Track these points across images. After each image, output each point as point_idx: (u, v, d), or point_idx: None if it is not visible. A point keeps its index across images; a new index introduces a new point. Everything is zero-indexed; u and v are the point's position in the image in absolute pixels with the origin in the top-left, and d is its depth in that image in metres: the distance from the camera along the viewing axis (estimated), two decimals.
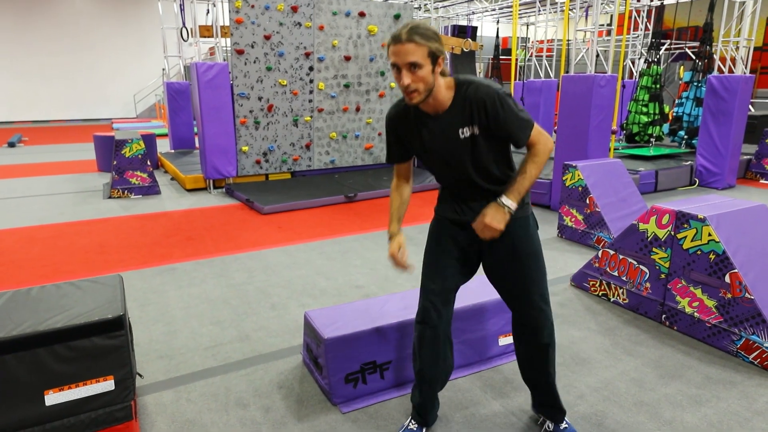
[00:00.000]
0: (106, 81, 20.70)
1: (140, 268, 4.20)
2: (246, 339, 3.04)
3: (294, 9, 6.96)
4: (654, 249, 3.13)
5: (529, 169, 1.84)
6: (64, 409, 1.85)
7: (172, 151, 9.69)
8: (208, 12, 8.83)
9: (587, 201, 4.57)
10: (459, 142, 1.85)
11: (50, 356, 1.82)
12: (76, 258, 4.45)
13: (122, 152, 6.72)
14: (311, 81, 7.39)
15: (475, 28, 16.07)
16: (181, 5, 7.36)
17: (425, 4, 8.63)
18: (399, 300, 2.75)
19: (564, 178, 4.78)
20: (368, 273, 4.08)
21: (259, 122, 7.19)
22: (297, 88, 7.31)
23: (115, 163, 6.70)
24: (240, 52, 6.79)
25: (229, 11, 6.63)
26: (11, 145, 12.40)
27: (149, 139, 8.58)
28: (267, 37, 6.90)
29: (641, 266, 3.23)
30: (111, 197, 6.71)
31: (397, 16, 7.70)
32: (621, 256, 3.34)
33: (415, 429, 2.20)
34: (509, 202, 1.82)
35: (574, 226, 4.74)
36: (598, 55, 5.86)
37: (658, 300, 3.14)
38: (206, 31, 8.98)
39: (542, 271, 2.01)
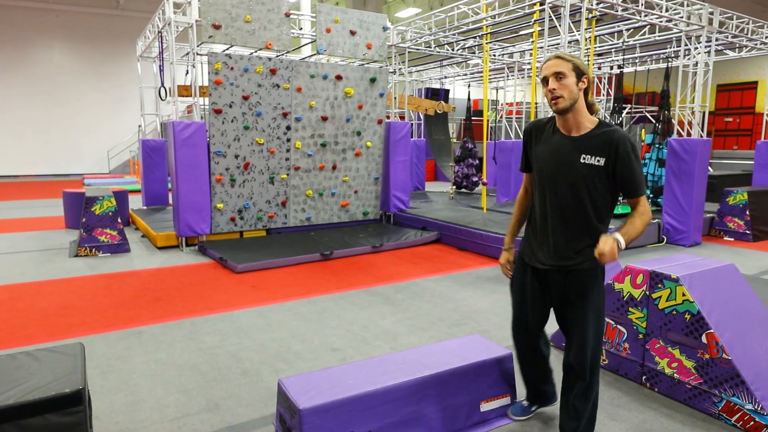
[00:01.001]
0: (80, 137, 20.58)
1: (104, 332, 4.00)
2: (215, 409, 2.86)
3: (272, 71, 7.14)
4: (630, 309, 3.15)
5: (637, 221, 2.04)
6: None
7: (145, 207, 9.53)
8: (187, 72, 8.99)
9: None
10: (577, 164, 2.07)
11: None
12: (35, 321, 4.21)
13: (92, 209, 6.57)
14: (288, 140, 7.48)
15: (447, 91, 16.78)
16: (160, 66, 7.48)
17: (399, 69, 8.98)
18: (377, 365, 2.66)
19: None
20: (344, 335, 3.97)
21: (234, 180, 7.18)
22: (274, 146, 7.38)
23: (84, 220, 6.52)
24: (218, 112, 6.87)
25: (209, 72, 6.75)
26: None
27: (121, 196, 8.45)
28: (245, 98, 7.02)
29: (619, 326, 3.23)
30: (78, 255, 6.48)
31: (372, 80, 7.97)
32: None
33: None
34: (621, 238, 1.98)
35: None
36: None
37: (638, 361, 3.12)
38: (185, 91, 9.11)
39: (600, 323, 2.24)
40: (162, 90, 7.47)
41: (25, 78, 19.52)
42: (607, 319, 3.29)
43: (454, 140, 19.26)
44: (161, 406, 2.89)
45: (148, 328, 4.08)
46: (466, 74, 12.50)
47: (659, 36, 8.88)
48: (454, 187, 11.77)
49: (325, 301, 4.79)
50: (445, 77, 12.77)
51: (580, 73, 2.03)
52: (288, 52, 7.64)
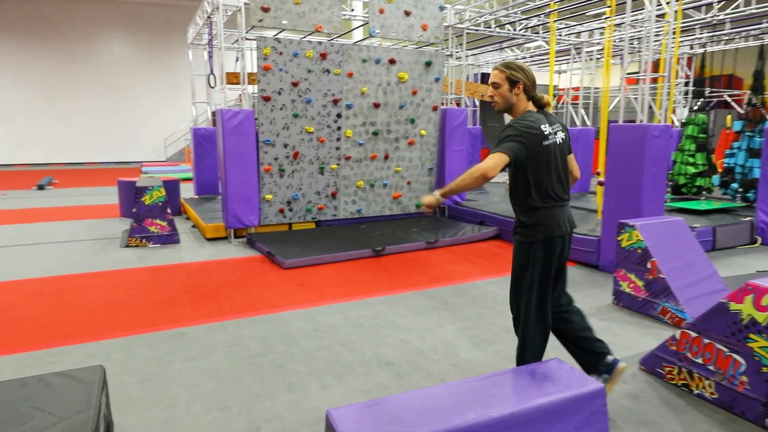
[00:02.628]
0: (138, 125, 21.19)
1: (147, 332, 3.79)
2: None
3: (323, 56, 6.79)
4: (752, 336, 2.57)
5: (460, 177, 2.41)
6: None
7: (196, 196, 9.50)
8: (237, 59, 8.80)
9: (648, 265, 4.02)
10: None
11: None
12: (80, 318, 4.07)
13: (142, 200, 6.49)
14: (339, 128, 7.13)
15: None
16: (209, 53, 7.28)
17: (456, 52, 8.41)
18: (441, 396, 2.25)
19: (619, 239, 4.26)
20: (399, 345, 3.58)
21: (284, 170, 6.91)
22: (324, 135, 7.05)
23: (134, 210, 6.45)
24: (267, 99, 6.60)
25: (257, 58, 6.48)
26: (40, 187, 12.48)
27: (172, 185, 8.41)
28: (295, 84, 6.71)
29: (734, 355, 2.66)
30: (128, 246, 6.43)
31: (428, 63, 7.47)
32: (706, 341, 2.78)
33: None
34: (436, 193, 2.51)
35: (633, 293, 4.18)
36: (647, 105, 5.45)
37: (760, 399, 2.56)
38: (234, 78, 8.93)
39: (519, 288, 2.62)
40: (211, 77, 7.29)
41: (88, 68, 20.23)
42: (718, 346, 2.73)
43: None
44: (198, 427, 2.60)
45: (191, 330, 3.85)
46: (525, 57, 11.71)
47: (756, 8, 7.83)
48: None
49: (378, 304, 4.42)
50: (504, 61, 12.04)
51: (513, 82, 2.48)
52: (339, 35, 7.27)
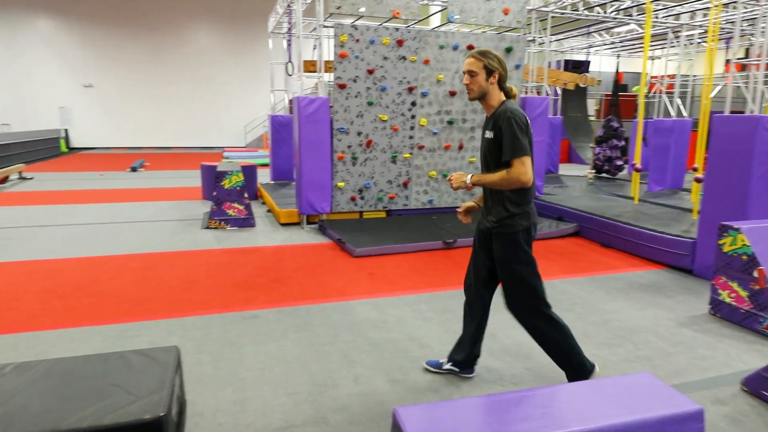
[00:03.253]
0: (221, 112, 22.20)
1: (222, 312, 3.92)
2: (322, 423, 2.53)
3: (399, 43, 6.67)
4: None
5: (496, 176, 2.51)
6: None
7: (272, 182, 9.78)
8: (315, 47, 8.89)
9: (755, 274, 3.59)
10: (484, 141, 2.67)
11: None
12: (162, 294, 4.28)
13: (222, 183, 6.74)
14: (413, 117, 7.01)
15: (588, 63, 15.06)
16: (288, 41, 7.39)
17: (539, 38, 7.98)
18: (514, 403, 2.10)
19: (720, 242, 3.84)
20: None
21: (356, 158, 6.91)
22: (398, 123, 6.96)
23: (215, 193, 6.72)
24: (342, 87, 6.60)
25: (334, 45, 6.48)
26: (133, 169, 13.41)
27: (250, 171, 8.69)
28: (370, 72, 6.65)
29: None
30: (208, 227, 6.72)
31: (508, 50, 7.14)
32: None
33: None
34: (470, 177, 2.60)
35: (734, 303, 3.76)
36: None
37: None
38: (311, 66, 9.04)
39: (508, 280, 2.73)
40: (289, 65, 7.40)
41: (177, 58, 21.43)
42: None
43: (592, 118, 17.41)
44: (267, 410, 2.62)
45: (263, 313, 3.93)
46: (615, 42, 10.92)
47: None
48: (594, 171, 10.48)
49: (448, 299, 4.29)
50: (590, 46, 11.30)
51: (489, 71, 2.55)
52: (416, 21, 7.11)
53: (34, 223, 6.90)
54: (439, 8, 8.04)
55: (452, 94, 7.08)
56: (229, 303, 4.13)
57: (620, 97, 10.99)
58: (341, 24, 6.50)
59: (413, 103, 6.97)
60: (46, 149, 17.66)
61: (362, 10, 6.35)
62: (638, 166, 7.17)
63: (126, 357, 1.82)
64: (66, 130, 20.64)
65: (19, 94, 20.05)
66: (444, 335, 3.57)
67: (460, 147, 7.34)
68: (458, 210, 2.84)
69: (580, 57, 13.27)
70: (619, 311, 4.04)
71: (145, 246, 5.84)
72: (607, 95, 14.25)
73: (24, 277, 4.65)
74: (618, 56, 11.19)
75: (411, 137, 7.09)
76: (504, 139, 2.47)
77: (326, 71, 8.33)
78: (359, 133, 6.85)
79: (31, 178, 11.53)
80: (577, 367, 2.74)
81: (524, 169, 2.43)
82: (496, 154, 2.55)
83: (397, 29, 6.70)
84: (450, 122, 7.18)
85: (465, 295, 3.04)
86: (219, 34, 21.70)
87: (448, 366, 3.01)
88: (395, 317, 3.88)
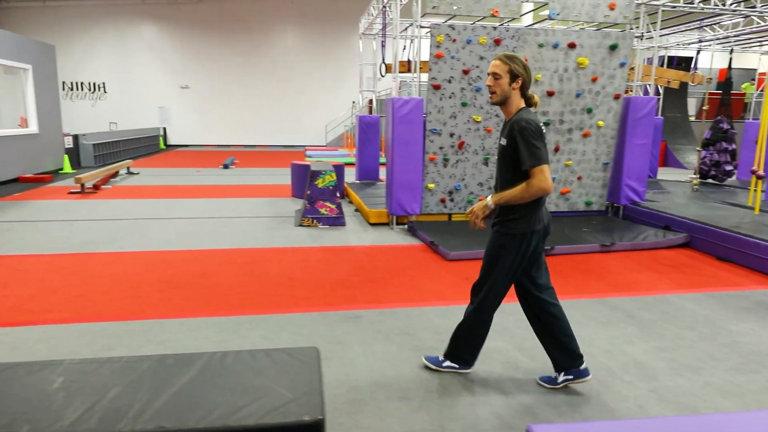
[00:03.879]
0: (304, 111, 22.91)
1: (325, 311, 4.00)
2: (441, 431, 2.49)
3: (497, 42, 6.51)
4: None
5: (515, 190, 2.52)
6: None
7: (358, 181, 9.93)
8: (404, 48, 8.90)
9: None
10: (499, 147, 2.69)
11: None
12: (267, 289, 4.45)
13: (316, 182, 6.92)
14: None
15: (690, 59, 13.98)
16: (382, 42, 7.45)
17: (648, 33, 7.48)
18: (658, 430, 1.94)
19: None
20: (585, 359, 3.26)
21: (448, 159, 6.84)
22: (491, 125, 6.80)
23: (308, 192, 6.92)
24: (436, 87, 6.55)
25: (430, 46, 6.44)
26: (225, 167, 14.16)
27: (338, 170, 8.85)
28: (465, 72, 6.55)
29: None
30: (301, 225, 6.92)
31: (613, 47, 6.75)
32: None
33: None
34: (490, 200, 2.61)
35: None
36: None
37: None
38: (402, 67, 9.06)
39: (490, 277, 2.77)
40: (382, 66, 7.45)
41: (265, 59, 22.36)
42: None
43: (692, 118, 16.15)
44: (383, 414, 2.63)
45: (365, 313, 3.96)
46: (729, 37, 9.99)
47: None
48: (698, 176, 9.70)
49: None
50: (700, 41, 10.44)
51: (514, 75, 2.54)
52: (512, 19, 6.90)
53: (145, 216, 7.44)
54: (536, 5, 7.75)
55: (550, 94, 6.81)
56: (331, 301, 4.20)
57: (731, 96, 10.08)
58: (438, 24, 6.45)
59: None
60: (148, 146, 19.10)
61: (455, 8, 6.25)
62: (760, 172, 6.52)
63: (272, 355, 1.87)
64: (164, 129, 22.19)
65: (125, 95, 21.82)
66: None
67: (556, 149, 7.05)
68: (471, 215, 2.69)
69: (686, 53, 12.29)
70: (750, 333, 3.67)
71: (245, 241, 6.11)
72: (711, 94, 13.13)
73: (141, 267, 5.01)
74: (731, 51, 10.26)
75: None
76: (520, 149, 2.49)
77: (422, 71, 8.32)
78: (452, 135, 6.77)
79: (137, 173, 12.49)
80: (456, 360, 3.00)
81: (544, 177, 2.46)
82: (509, 162, 2.59)
83: (495, 28, 6.54)
84: (546, 123, 6.91)
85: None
86: (305, 36, 22.38)
87: (562, 378, 2.88)
88: (499, 325, 3.77)
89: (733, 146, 9.93)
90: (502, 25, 7.19)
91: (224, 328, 3.63)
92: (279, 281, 4.68)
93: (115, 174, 11.50)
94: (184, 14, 21.60)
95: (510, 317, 3.88)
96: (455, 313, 3.99)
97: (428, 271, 5.09)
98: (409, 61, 7.69)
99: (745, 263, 5.24)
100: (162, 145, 21.39)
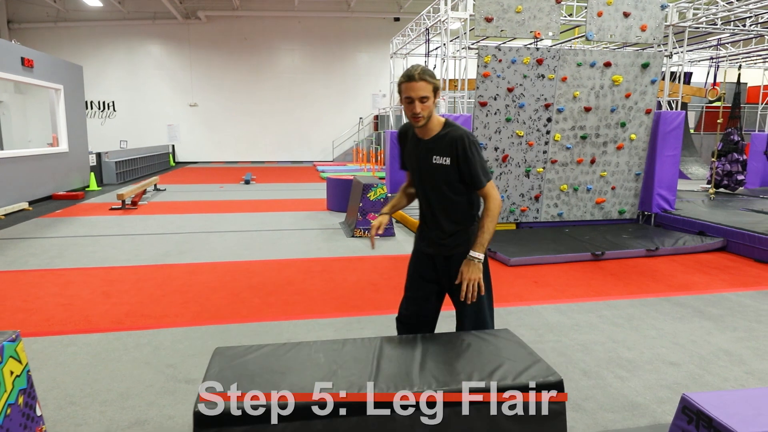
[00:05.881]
0: (310, 128, 23.29)
1: None
2: (578, 409, 2.82)
3: (539, 62, 6.96)
4: None
5: (487, 224, 2.31)
6: None
7: (390, 194, 10.27)
8: (434, 66, 9.33)
9: None
10: (433, 166, 2.36)
11: (504, 416, 1.79)
12: (357, 294, 4.75)
13: (368, 195, 7.26)
14: (548, 132, 7.25)
15: (690, 74, 14.68)
16: (425, 62, 7.86)
17: (678, 51, 8.01)
18: None
19: None
20: (674, 348, 3.62)
21: (492, 172, 7.23)
22: (533, 139, 7.23)
23: (361, 204, 7.25)
24: (483, 104, 6.97)
25: (477, 66, 6.87)
26: (246, 182, 14.43)
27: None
28: (510, 90, 6.98)
29: None
30: (354, 236, 7.24)
31: (645, 65, 7.24)
32: None
33: None
34: (477, 254, 2.30)
35: None
36: None
37: None
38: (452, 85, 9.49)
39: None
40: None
41: (273, 77, 22.77)
42: None
43: (692, 130, 16.83)
44: None
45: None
46: (740, 54, 10.64)
47: None
48: (712, 186, 10.22)
49: (627, 307, 4.48)
50: (712, 58, 11.07)
51: (436, 90, 2.25)
52: (555, 42, 7.37)
53: (199, 230, 7.70)
54: (570, 26, 8.25)
55: (587, 109, 7.27)
56: None
57: (739, 110, 10.68)
58: (486, 46, 6.89)
59: (548, 119, 7.21)
60: (160, 163, 19.30)
61: (503, 30, 6.71)
62: None
63: (473, 336, 2.20)
64: (173, 146, 22.40)
65: (134, 113, 22.03)
66: (644, 340, 3.76)
67: (592, 161, 7.48)
68: (470, 281, 2.31)
69: (698, 69, 12.92)
70: None
71: (309, 251, 6.41)
72: (708, 107, 13.78)
73: (226, 276, 5.28)
74: (740, 67, 10.90)
75: (545, 152, 7.32)
76: (471, 165, 2.27)
77: (452, 88, 8.75)
78: (496, 149, 7.17)
79: (164, 189, 12.72)
80: None
81: (496, 194, 2.34)
82: (451, 181, 2.33)
83: (537, 49, 7.00)
84: (583, 137, 7.36)
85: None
86: (311, 55, 22.86)
87: None
88: (585, 322, 4.12)
89: (744, 157, 10.49)
90: (546, 47, 7.66)
91: (338, 328, 3.93)
92: (363, 287, 4.98)
93: (145, 191, 11.72)
94: (193, 33, 21.98)
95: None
96: (541, 312, 4.34)
97: (497, 275, 5.37)
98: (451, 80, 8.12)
99: None
100: (171, 162, 21.59)
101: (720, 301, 4.64)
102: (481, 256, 2.29)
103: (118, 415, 2.73)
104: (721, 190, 10.73)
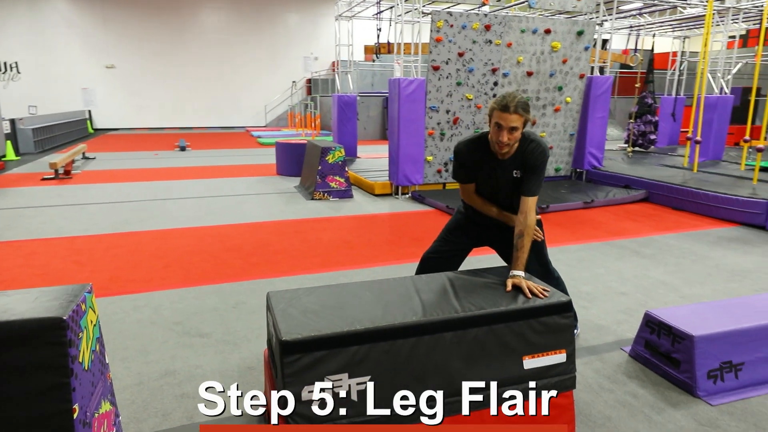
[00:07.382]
0: (241, 92, 22.49)
1: (405, 262, 4.62)
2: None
3: (487, 27, 7.33)
4: None
5: (526, 243, 2.46)
6: (534, 373, 2.19)
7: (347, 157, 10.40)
8: (379, 29, 9.46)
9: None
10: (512, 180, 2.59)
11: (529, 329, 2.17)
12: (337, 251, 4.99)
13: (326, 158, 7.40)
14: (495, 95, 7.70)
15: (605, 41, 15.80)
16: (378, 27, 7.99)
17: (606, 20, 8.69)
18: (740, 306, 2.90)
19: None
20: (623, 281, 4.23)
21: (444, 134, 7.61)
22: (481, 102, 7.66)
23: (320, 168, 7.38)
24: (436, 68, 7.26)
25: (430, 30, 7.11)
26: (182, 149, 13.88)
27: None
28: (460, 54, 7.31)
29: None
30: (313, 198, 7.39)
31: (580, 33, 7.84)
32: None
33: None
34: (519, 272, 2.38)
35: None
36: None
37: None
38: (382, 49, 9.63)
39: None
40: (377, 47, 8.00)
41: (197, 38, 21.59)
42: None
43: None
44: None
45: None
46: (664, 23, 11.63)
47: None
48: (628, 144, 11.31)
49: (576, 251, 5.08)
50: (631, 27, 12.02)
51: (526, 122, 2.43)
52: (501, 9, 7.75)
53: (151, 197, 7.49)
54: None
55: (529, 74, 7.78)
56: (402, 256, 4.85)
57: (653, 75, 11.77)
58: (438, 10, 7.13)
59: (495, 83, 7.66)
60: (77, 131, 17.92)
61: None
62: (698, 138, 7.98)
63: (478, 273, 2.56)
64: (89, 111, 20.80)
65: (43, 75, 20.12)
66: (597, 277, 4.35)
67: (533, 123, 8.07)
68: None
69: (617, 37, 13.89)
70: (725, 258, 4.87)
71: (273, 215, 6.50)
72: (641, 72, 14.96)
73: (201, 241, 5.30)
74: (654, 36, 11.94)
75: None
76: (536, 178, 2.53)
77: (405, 52, 8.93)
78: (448, 111, 7.54)
79: (94, 158, 11.98)
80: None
81: (534, 212, 2.58)
82: (515, 190, 2.60)
83: (485, 15, 7.35)
84: (527, 100, 7.88)
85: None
86: (239, 15, 21.86)
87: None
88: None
89: (656, 118, 11.65)
90: (492, 12, 8.01)
91: (331, 280, 4.18)
92: (339, 245, 5.23)
93: (74, 161, 11.00)
94: None
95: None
96: (499, 260, 4.81)
97: None
98: (394, 43, 8.30)
99: (697, 211, 6.58)
100: (90, 129, 20.10)
101: (650, 242, 5.38)
102: (522, 273, 2.38)
103: (144, 369, 2.85)
104: (637, 148, 11.88)
